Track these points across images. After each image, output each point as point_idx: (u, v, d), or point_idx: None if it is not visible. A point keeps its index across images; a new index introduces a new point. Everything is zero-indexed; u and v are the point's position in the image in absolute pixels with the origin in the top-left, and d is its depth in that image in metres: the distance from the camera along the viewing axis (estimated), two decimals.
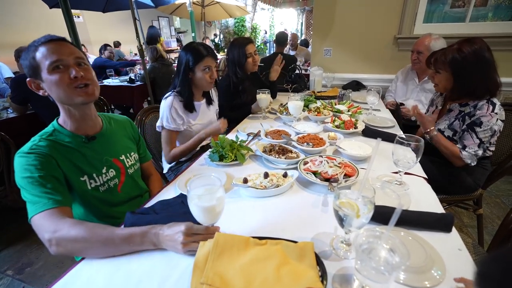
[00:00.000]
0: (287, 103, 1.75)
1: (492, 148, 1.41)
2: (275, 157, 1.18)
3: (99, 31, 7.26)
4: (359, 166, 1.07)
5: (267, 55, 8.70)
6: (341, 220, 0.67)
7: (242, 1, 11.12)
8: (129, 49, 7.82)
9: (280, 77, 2.24)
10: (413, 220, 0.79)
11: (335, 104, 1.96)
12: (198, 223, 0.73)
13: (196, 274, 0.62)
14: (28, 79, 0.89)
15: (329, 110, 1.84)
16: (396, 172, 1.04)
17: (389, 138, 1.24)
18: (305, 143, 1.30)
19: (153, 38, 5.39)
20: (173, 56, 7.53)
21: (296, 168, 1.08)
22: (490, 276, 0.33)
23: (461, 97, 1.41)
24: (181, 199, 0.90)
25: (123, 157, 1.08)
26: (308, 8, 10.88)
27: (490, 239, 1.06)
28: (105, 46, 4.87)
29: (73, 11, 2.58)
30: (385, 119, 1.80)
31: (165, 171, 1.67)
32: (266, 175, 1.03)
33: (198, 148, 1.59)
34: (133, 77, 3.93)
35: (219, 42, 11.94)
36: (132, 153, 1.14)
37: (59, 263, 1.84)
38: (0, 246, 2.01)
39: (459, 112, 1.42)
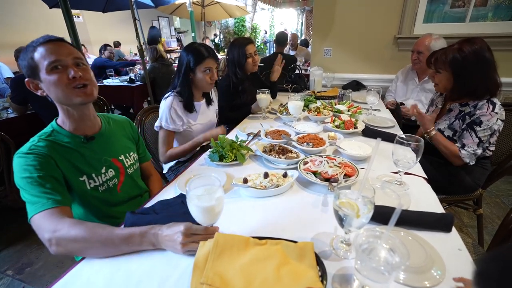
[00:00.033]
0: (287, 103, 1.75)
1: (492, 148, 1.41)
2: (275, 157, 1.18)
3: (99, 31, 7.26)
4: (359, 166, 1.07)
5: (267, 55, 8.70)
6: (341, 220, 0.67)
7: (242, 1, 11.12)
8: (129, 49, 7.82)
9: (280, 77, 2.24)
10: (413, 220, 0.79)
11: (335, 104, 1.96)
12: (198, 224, 0.73)
13: (196, 274, 0.62)
14: (26, 79, 0.89)
15: (329, 110, 1.84)
16: (396, 172, 1.04)
17: (389, 138, 1.24)
18: (305, 143, 1.30)
19: (154, 39, 5.40)
20: (173, 56, 7.54)
21: (296, 168, 1.08)
22: (489, 275, 0.33)
23: (461, 97, 1.41)
24: (181, 199, 0.90)
25: (122, 157, 1.08)
26: (308, 8, 10.88)
27: (490, 239, 1.06)
28: (105, 46, 4.87)
29: (73, 11, 2.58)
30: (385, 119, 1.80)
31: (165, 171, 1.67)
32: (266, 175, 1.03)
33: (198, 148, 1.59)
34: (133, 77, 3.93)
35: (219, 42, 11.94)
36: (132, 153, 1.14)
37: (59, 263, 1.84)
38: (0, 246, 2.01)
39: (459, 112, 1.42)
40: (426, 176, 1.08)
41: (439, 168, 1.47)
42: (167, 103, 1.47)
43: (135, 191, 1.14)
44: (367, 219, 0.64)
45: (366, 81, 2.84)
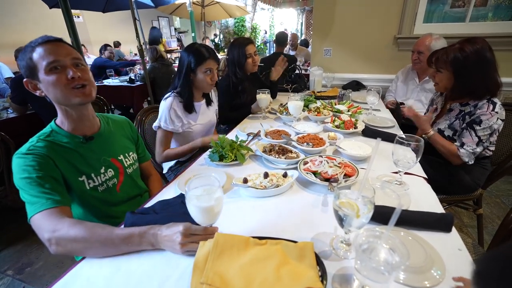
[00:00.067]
0: (287, 103, 1.74)
1: (492, 148, 1.41)
2: (275, 157, 1.18)
3: (99, 31, 7.26)
4: (359, 166, 1.07)
5: (267, 55, 8.70)
6: (341, 220, 0.66)
7: (242, 1, 11.12)
8: (129, 49, 7.82)
9: (280, 77, 2.24)
10: (413, 220, 0.79)
11: (335, 104, 1.96)
12: (197, 224, 0.73)
13: (196, 274, 0.62)
14: (25, 79, 0.89)
15: (329, 110, 1.84)
16: (396, 172, 1.04)
17: (389, 138, 1.24)
18: (305, 143, 1.30)
19: (155, 39, 5.40)
20: (173, 56, 7.54)
21: (296, 168, 1.08)
22: (488, 274, 0.33)
23: (461, 96, 1.41)
24: (181, 199, 0.90)
25: (121, 157, 1.08)
26: (308, 8, 10.88)
27: (490, 239, 1.06)
28: (105, 46, 4.87)
29: (73, 11, 2.58)
30: (385, 119, 1.80)
31: (165, 171, 1.67)
32: (266, 175, 1.03)
33: (198, 148, 1.59)
34: (133, 77, 3.93)
35: (219, 42, 11.94)
36: (131, 153, 1.14)
37: (59, 263, 1.84)
38: (0, 246, 2.01)
39: (460, 111, 1.42)
40: (426, 176, 1.08)
41: (439, 168, 1.47)
42: (167, 104, 1.47)
43: (134, 191, 1.14)
44: (367, 219, 0.64)
45: (366, 81, 2.84)
